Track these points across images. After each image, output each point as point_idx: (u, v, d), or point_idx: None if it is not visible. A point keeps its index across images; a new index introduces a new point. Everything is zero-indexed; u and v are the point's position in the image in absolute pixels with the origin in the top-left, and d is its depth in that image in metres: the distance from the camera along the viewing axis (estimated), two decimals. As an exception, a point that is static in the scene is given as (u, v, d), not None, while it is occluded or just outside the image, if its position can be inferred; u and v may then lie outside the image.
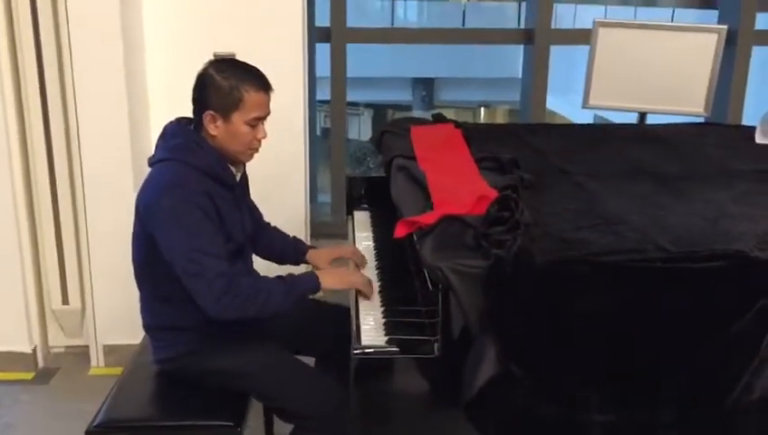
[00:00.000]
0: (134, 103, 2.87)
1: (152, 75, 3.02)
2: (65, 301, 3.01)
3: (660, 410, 1.51)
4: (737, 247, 1.48)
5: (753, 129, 2.49)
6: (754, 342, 1.51)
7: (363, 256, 2.21)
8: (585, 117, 6.78)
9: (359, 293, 1.95)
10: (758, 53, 3.65)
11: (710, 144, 2.42)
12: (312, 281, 1.94)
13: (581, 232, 1.58)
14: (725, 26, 2.69)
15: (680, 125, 2.77)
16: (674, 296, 1.46)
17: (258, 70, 1.94)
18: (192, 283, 1.81)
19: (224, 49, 2.73)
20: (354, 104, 13.26)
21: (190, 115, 1.98)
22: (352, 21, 3.56)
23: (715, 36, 2.65)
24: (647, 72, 2.71)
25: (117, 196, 2.82)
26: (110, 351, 3.01)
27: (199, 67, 1.95)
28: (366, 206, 2.68)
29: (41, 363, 3.06)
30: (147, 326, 2.05)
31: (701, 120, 2.91)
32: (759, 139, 2.43)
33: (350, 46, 3.55)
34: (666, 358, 1.49)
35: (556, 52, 3.63)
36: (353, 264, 2.16)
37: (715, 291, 1.47)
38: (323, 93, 3.78)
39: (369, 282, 1.99)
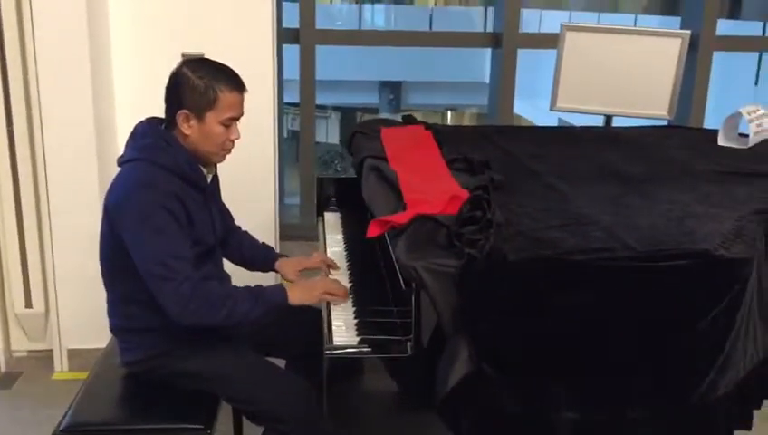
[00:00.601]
0: (100, 104, 2.83)
1: (119, 76, 2.98)
2: (28, 304, 2.95)
3: (628, 407, 1.53)
4: (702, 246, 1.52)
5: (715, 131, 2.55)
6: (720, 339, 1.55)
7: (333, 262, 2.20)
8: (550, 120, 6.88)
9: (328, 301, 1.92)
10: (719, 58, 3.73)
11: (675, 146, 2.47)
12: (279, 295, 1.91)
13: (552, 231, 1.60)
14: (689, 31, 2.74)
15: (646, 128, 2.82)
16: (641, 294, 1.49)
17: (232, 70, 1.93)
18: (158, 286, 1.79)
19: (192, 50, 2.71)
20: (322, 107, 13.24)
21: (161, 116, 1.96)
22: (320, 25, 3.56)
23: (678, 41, 2.70)
24: (613, 75, 2.75)
25: (82, 198, 2.77)
26: (74, 355, 2.96)
27: (167, 68, 1.93)
28: (336, 207, 2.68)
29: (3, 368, 2.99)
30: (114, 328, 2.02)
31: (665, 122, 2.97)
32: (722, 141, 2.48)
33: (318, 49, 3.55)
34: (634, 355, 1.51)
35: (523, 55, 3.67)
36: (323, 273, 2.15)
37: (681, 289, 1.50)
38: (290, 96, 3.77)
39: (341, 286, 1.97)
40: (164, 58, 2.05)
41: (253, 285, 1.93)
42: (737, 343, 1.60)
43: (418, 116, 2.97)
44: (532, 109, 9.71)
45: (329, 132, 13.60)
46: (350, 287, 2.01)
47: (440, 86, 13.09)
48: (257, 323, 2.00)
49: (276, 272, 2.27)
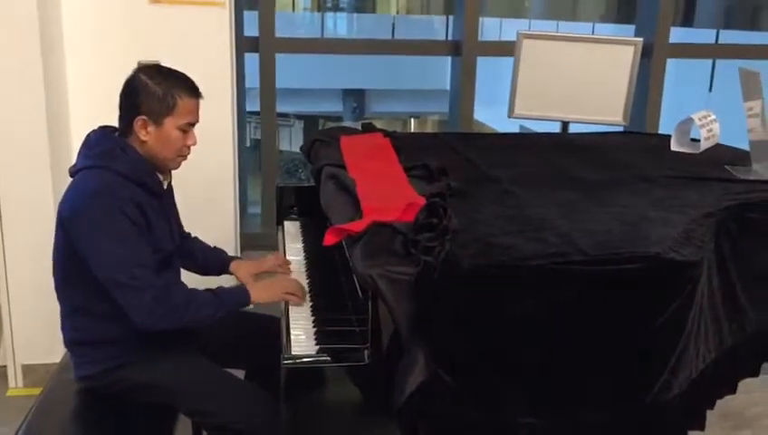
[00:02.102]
0: (53, 115, 2.78)
1: (74, 86, 2.93)
2: (-20, 319, 2.87)
3: (584, 409, 1.55)
4: (654, 250, 1.54)
5: (669, 137, 2.60)
6: (672, 340, 1.58)
7: (287, 261, 2.21)
8: (511, 127, 6.96)
9: (288, 300, 1.94)
10: (673, 66, 3.82)
11: (630, 152, 2.51)
12: (242, 295, 1.93)
13: (508, 237, 1.61)
14: (641, 39, 2.80)
15: (602, 134, 2.86)
16: (595, 298, 1.51)
17: (188, 76, 1.94)
18: (123, 294, 1.77)
19: (148, 59, 2.68)
20: (285, 115, 13.20)
21: (114, 125, 1.95)
22: (282, 33, 3.55)
23: (631, 48, 2.75)
24: (569, 82, 2.80)
25: (35, 210, 2.71)
26: (28, 371, 2.88)
27: (123, 77, 1.92)
28: (296, 216, 2.67)
29: (-46, 386, 2.91)
30: (68, 342, 1.98)
31: (621, 128, 3.02)
32: (674, 146, 2.53)
33: (281, 58, 3.53)
34: (588, 358, 1.53)
35: (483, 64, 3.71)
36: (280, 275, 2.16)
37: (633, 292, 1.52)
38: (253, 105, 3.75)
39: (300, 286, 1.99)
40: (120, 67, 2.03)
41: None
42: (689, 344, 1.63)
43: (382, 124, 2.98)
44: (494, 116, 9.81)
45: (293, 141, 13.56)
46: (309, 295, 2.01)
47: (404, 94, 13.16)
48: (217, 325, 1.99)
49: (231, 274, 2.26)
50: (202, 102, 1.95)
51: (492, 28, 11.34)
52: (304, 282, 2.12)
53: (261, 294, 1.95)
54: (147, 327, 1.78)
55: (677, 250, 1.56)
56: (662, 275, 1.54)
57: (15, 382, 2.90)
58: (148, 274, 1.80)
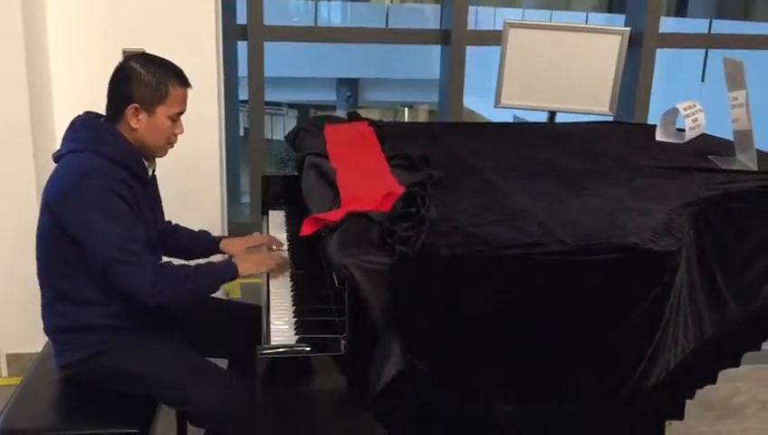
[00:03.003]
0: (37, 101, 2.76)
1: (57, 71, 2.91)
2: (-36, 308, 2.86)
3: (562, 399, 1.55)
4: (632, 240, 1.54)
5: (654, 127, 2.59)
6: (650, 330, 1.58)
7: (278, 241, 2.24)
8: (505, 117, 6.95)
9: (270, 274, 1.99)
10: (666, 55, 3.81)
11: (614, 142, 2.51)
12: (230, 268, 1.96)
13: (486, 227, 1.61)
14: (628, 29, 2.79)
15: (588, 123, 2.86)
16: (573, 288, 1.51)
17: (177, 65, 1.96)
18: (122, 271, 1.78)
19: (133, 46, 2.66)
20: (278, 104, 13.16)
21: (99, 111, 1.95)
22: (276, 21, 3.53)
23: (618, 38, 2.74)
24: (555, 72, 2.79)
25: (19, 197, 2.70)
26: (13, 359, 2.88)
27: (107, 65, 1.94)
28: (282, 205, 2.66)
29: (-61, 375, 2.90)
30: (49, 329, 1.98)
31: (609, 118, 3.01)
32: (659, 136, 2.53)
33: (275, 47, 3.51)
34: (566, 348, 1.53)
35: (478, 53, 3.70)
36: (266, 248, 2.19)
37: (611, 282, 1.52)
38: (246, 93, 3.73)
39: (285, 259, 2.04)
40: (103, 55, 2.02)
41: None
42: (667, 334, 1.63)
43: (375, 113, 2.97)
44: (487, 105, 9.79)
45: (285, 130, 13.53)
46: (291, 285, 2.00)
47: (398, 83, 13.12)
48: (198, 322, 2.01)
49: (220, 253, 2.27)
50: (189, 91, 1.97)
51: (486, 18, 11.30)
52: (287, 271, 2.11)
53: (247, 267, 1.98)
54: (149, 301, 1.81)
55: (655, 240, 1.56)
56: (639, 265, 1.53)
57: (0, 372, 2.89)
58: (144, 249, 1.84)
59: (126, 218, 1.82)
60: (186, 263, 2.01)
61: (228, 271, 1.95)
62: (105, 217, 1.78)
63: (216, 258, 2.22)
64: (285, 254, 2.20)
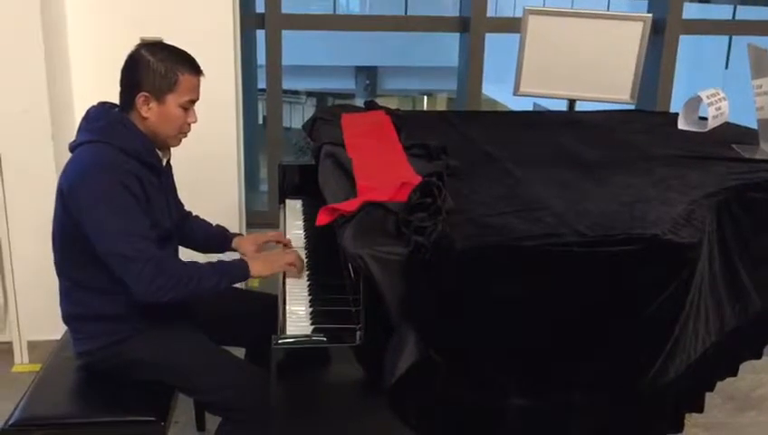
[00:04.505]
0: (55, 90, 2.77)
1: (76, 60, 2.92)
2: (-15, 296, 2.89)
3: (578, 393, 1.53)
4: (651, 231, 1.51)
5: (676, 115, 2.55)
6: (669, 323, 1.55)
7: (289, 240, 2.21)
8: (525, 106, 6.88)
9: (286, 272, 1.95)
10: (690, 42, 3.74)
11: (635, 130, 2.47)
12: (241, 268, 1.92)
13: (503, 217, 1.59)
14: (650, 15, 2.74)
15: (609, 112, 2.82)
16: (590, 280, 1.49)
17: (188, 53, 1.93)
18: (123, 265, 1.77)
19: (151, 35, 2.66)
20: (296, 93, 13.15)
21: (114, 100, 1.95)
22: (295, 9, 3.51)
23: (640, 25, 2.69)
24: (575, 59, 2.75)
25: (39, 186, 2.71)
26: (34, 347, 2.91)
27: (126, 53, 1.92)
28: (299, 194, 2.65)
29: (-39, 362, 2.94)
30: (67, 317, 1.99)
31: (631, 107, 2.97)
32: (681, 124, 2.49)
33: (294, 35, 3.50)
34: (582, 341, 1.51)
35: (498, 40, 3.65)
36: (282, 246, 2.17)
37: (629, 274, 1.50)
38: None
39: (300, 258, 1.99)
40: (122, 43, 2.02)
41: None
42: (687, 327, 1.60)
43: (394, 101, 2.95)
44: (507, 93, 9.71)
45: (304, 119, 13.52)
46: (308, 275, 2.00)
47: (416, 71, 13.05)
48: (218, 302, 2.01)
49: (234, 251, 2.25)
50: (205, 79, 1.95)
51: (506, 4, 11.19)
52: (304, 259, 2.11)
53: (260, 268, 1.95)
54: (148, 298, 1.78)
55: (676, 231, 1.53)
56: (659, 257, 1.51)
57: (21, 359, 2.92)
58: (149, 245, 1.80)
59: (133, 213, 1.80)
60: (195, 262, 1.95)
61: (240, 271, 1.91)
62: (112, 210, 1.77)
63: (230, 255, 2.21)
64: (300, 252, 2.14)
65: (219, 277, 1.87)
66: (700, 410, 1.75)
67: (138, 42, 2.00)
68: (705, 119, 2.46)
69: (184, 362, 1.93)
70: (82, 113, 1.98)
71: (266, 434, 1.83)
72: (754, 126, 2.28)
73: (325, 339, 1.58)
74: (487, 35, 3.60)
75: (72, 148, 1.92)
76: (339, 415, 1.59)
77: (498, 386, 1.49)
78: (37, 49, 2.66)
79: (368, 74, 13.85)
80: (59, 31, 2.83)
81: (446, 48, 11.60)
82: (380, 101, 2.77)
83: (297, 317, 1.76)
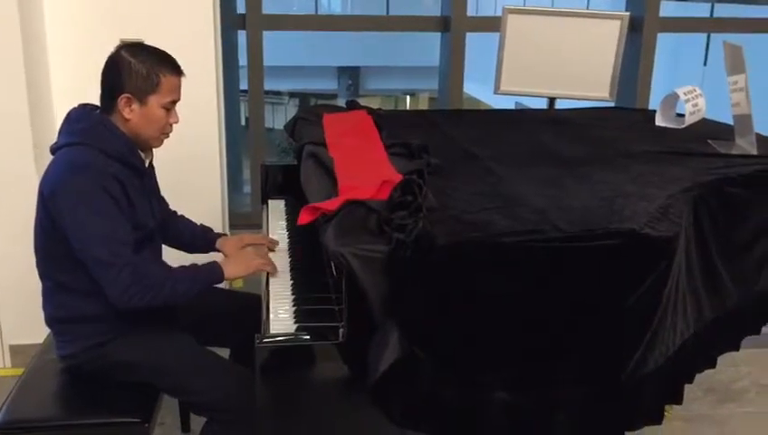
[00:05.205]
0: (35, 92, 2.75)
1: (55, 62, 2.90)
2: (-33, 301, 2.87)
3: (559, 387, 1.55)
4: (629, 226, 1.54)
5: (654, 112, 2.58)
6: (647, 316, 1.58)
7: (275, 240, 2.21)
8: (507, 103, 6.92)
9: (269, 273, 1.95)
10: (669, 40, 3.78)
11: (614, 127, 2.50)
12: (215, 271, 1.92)
13: (484, 214, 1.61)
14: (628, 13, 2.76)
15: (588, 109, 2.85)
16: (570, 275, 1.51)
17: (169, 54, 1.94)
18: (100, 270, 1.77)
19: (131, 36, 2.65)
20: (278, 93, 13.12)
21: (95, 102, 1.95)
22: (276, 10, 3.51)
23: (618, 23, 2.72)
24: (555, 58, 2.77)
25: (18, 187, 2.70)
26: (16, 351, 2.89)
27: (105, 55, 1.92)
28: (282, 194, 2.66)
29: (-57, 367, 2.92)
30: (49, 320, 1.99)
31: (610, 104, 2.99)
32: (659, 121, 2.52)
33: (276, 36, 3.50)
34: (563, 335, 1.53)
35: (481, 39, 3.67)
36: (265, 248, 2.16)
37: (608, 268, 1.52)
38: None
39: (272, 262, 1.99)
40: (102, 45, 2.01)
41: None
42: (666, 320, 1.63)
43: (377, 101, 2.96)
44: (489, 92, 9.76)
45: (287, 119, 13.51)
46: (291, 274, 2.00)
47: (398, 71, 13.08)
48: (199, 313, 2.01)
49: (218, 251, 2.26)
50: (186, 80, 1.96)
51: (487, 3, 11.24)
52: (287, 260, 2.12)
53: (234, 269, 1.95)
54: (122, 304, 1.78)
55: (653, 226, 1.56)
56: (637, 251, 1.53)
57: (3, 363, 2.91)
58: (127, 251, 1.80)
59: (112, 217, 1.80)
60: (170, 267, 1.93)
61: (214, 274, 1.91)
62: (91, 214, 1.77)
63: (214, 255, 2.21)
64: (283, 252, 2.14)
65: (192, 282, 1.87)
66: (679, 401, 1.78)
67: (118, 43, 2.00)
68: (682, 115, 2.50)
69: (169, 364, 1.93)
70: (63, 116, 1.98)
71: (251, 434, 1.85)
72: (732, 121, 2.31)
73: (309, 337, 1.59)
74: (469, 35, 3.62)
75: (54, 150, 1.92)
76: (324, 413, 1.60)
77: (481, 382, 1.50)
78: (16, 51, 2.65)
79: (350, 75, 13.86)
80: (38, 33, 2.81)
81: (428, 48, 11.64)
82: (363, 102, 2.78)
83: (281, 316, 1.77)
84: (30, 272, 2.01)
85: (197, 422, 2.07)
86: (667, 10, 3.77)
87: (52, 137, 1.96)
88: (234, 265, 1.97)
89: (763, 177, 1.96)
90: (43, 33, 2.85)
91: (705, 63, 7.92)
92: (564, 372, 1.55)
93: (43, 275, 1.97)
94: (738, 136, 2.23)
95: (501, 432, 1.54)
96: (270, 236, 2.30)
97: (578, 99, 2.81)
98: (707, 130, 2.42)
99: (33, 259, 1.97)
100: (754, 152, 2.13)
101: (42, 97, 2.83)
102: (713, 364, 1.97)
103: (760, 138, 2.21)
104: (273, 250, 2.16)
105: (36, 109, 2.76)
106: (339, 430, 1.64)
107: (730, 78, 2.24)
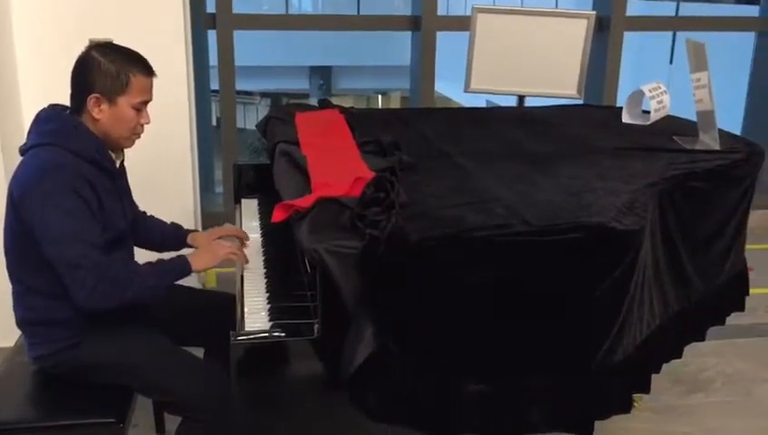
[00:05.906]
0: (2, 91, 2.73)
1: (23, 63, 2.87)
2: (-65, 304, 2.82)
3: (531, 376, 1.58)
4: (596, 219, 1.58)
5: (621, 109, 2.63)
6: (615, 307, 1.62)
7: (245, 233, 2.21)
8: (478, 101, 6.98)
9: (242, 268, 1.96)
10: (635, 38, 3.86)
11: (582, 124, 2.55)
12: (182, 263, 1.92)
13: (455, 210, 1.63)
14: (595, 12, 2.82)
15: (557, 107, 2.89)
16: (539, 268, 1.54)
17: (140, 54, 1.93)
18: (67, 271, 1.76)
19: (100, 36, 2.64)
20: (250, 93, 13.06)
21: (65, 103, 1.93)
22: (247, 9, 3.51)
23: (584, 22, 2.77)
24: (523, 56, 2.82)
25: (-13, 190, 2.67)
26: (-13, 354, 2.85)
27: (75, 55, 1.90)
28: (255, 193, 2.66)
29: None
30: (21, 322, 1.97)
31: (579, 101, 3.05)
32: (625, 118, 2.57)
33: (247, 35, 3.50)
34: (534, 327, 1.56)
35: (452, 38, 3.70)
36: (236, 240, 2.16)
37: (576, 261, 1.56)
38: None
39: (239, 247, 2.01)
40: (71, 45, 2.00)
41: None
42: (632, 311, 1.67)
43: (349, 100, 2.97)
44: (460, 91, 9.81)
45: (258, 119, 13.45)
46: (265, 272, 2.01)
47: (370, 70, 13.11)
48: (172, 312, 2.01)
49: (190, 247, 2.25)
50: (157, 80, 1.95)
51: (458, 3, 11.31)
52: (261, 258, 2.12)
53: (201, 261, 1.95)
54: (90, 306, 1.77)
55: (619, 219, 1.60)
56: (604, 244, 1.57)
57: (-27, 367, 2.86)
58: (95, 253, 1.78)
59: (81, 219, 1.78)
60: (136, 263, 1.93)
61: (181, 267, 1.91)
62: (60, 215, 1.76)
63: (186, 251, 2.21)
64: (257, 250, 2.15)
65: (160, 277, 1.87)
66: (647, 390, 1.82)
67: (87, 43, 1.99)
68: (648, 112, 2.55)
69: (143, 364, 1.92)
70: (31, 116, 1.96)
71: (227, 432, 1.86)
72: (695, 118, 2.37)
73: (284, 334, 1.60)
74: (440, 34, 3.66)
75: (23, 151, 1.90)
76: (300, 409, 1.61)
77: (455, 373, 1.53)
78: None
79: (322, 74, 13.85)
80: (4, 32, 2.78)
81: (400, 47, 11.68)
82: (335, 101, 2.80)
83: (255, 313, 1.78)
84: (1, 274, 1.99)
85: (172, 423, 2.07)
86: (633, 9, 3.84)
87: (21, 138, 1.94)
88: (202, 256, 1.96)
89: (725, 172, 2.02)
90: (10, 33, 2.82)
91: (671, 62, 8.07)
92: (536, 361, 1.58)
93: (13, 278, 1.95)
94: (701, 132, 2.29)
95: (474, 423, 1.57)
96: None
97: (547, 96, 2.86)
98: (672, 126, 2.47)
99: (3, 261, 1.95)
100: (717, 147, 2.19)
101: (10, 98, 2.80)
102: (679, 354, 2.02)
103: (722, 133, 2.27)
104: (245, 244, 2.16)
105: (4, 109, 2.73)
106: (315, 427, 1.65)
107: (693, 75, 2.29)
